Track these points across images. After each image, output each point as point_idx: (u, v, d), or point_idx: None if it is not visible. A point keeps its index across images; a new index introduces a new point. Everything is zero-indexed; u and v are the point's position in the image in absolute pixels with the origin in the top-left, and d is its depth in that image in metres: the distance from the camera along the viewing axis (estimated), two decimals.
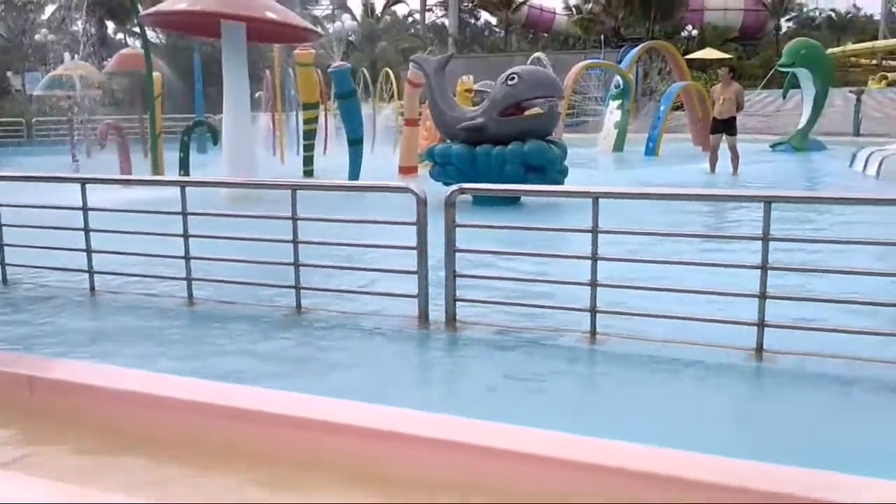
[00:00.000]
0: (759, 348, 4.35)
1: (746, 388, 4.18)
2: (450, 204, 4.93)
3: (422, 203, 4.95)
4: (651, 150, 18.44)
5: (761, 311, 4.37)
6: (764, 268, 4.41)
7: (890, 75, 52.88)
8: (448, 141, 11.05)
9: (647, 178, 13.27)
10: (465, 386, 4.17)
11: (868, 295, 4.60)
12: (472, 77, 16.19)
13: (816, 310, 4.70)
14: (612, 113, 19.95)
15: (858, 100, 23.67)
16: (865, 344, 4.30)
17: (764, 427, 3.57)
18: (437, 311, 4.98)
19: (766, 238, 4.41)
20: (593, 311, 4.68)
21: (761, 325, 4.38)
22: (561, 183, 10.14)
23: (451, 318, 4.91)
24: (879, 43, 59.23)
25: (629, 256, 6.07)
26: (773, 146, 19.27)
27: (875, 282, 5.08)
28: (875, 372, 4.08)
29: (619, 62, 22.89)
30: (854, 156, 14.32)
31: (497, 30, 60.70)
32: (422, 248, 4.97)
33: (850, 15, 69.88)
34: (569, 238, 6.55)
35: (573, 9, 57.84)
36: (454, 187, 5.03)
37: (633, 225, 6.47)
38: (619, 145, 19.20)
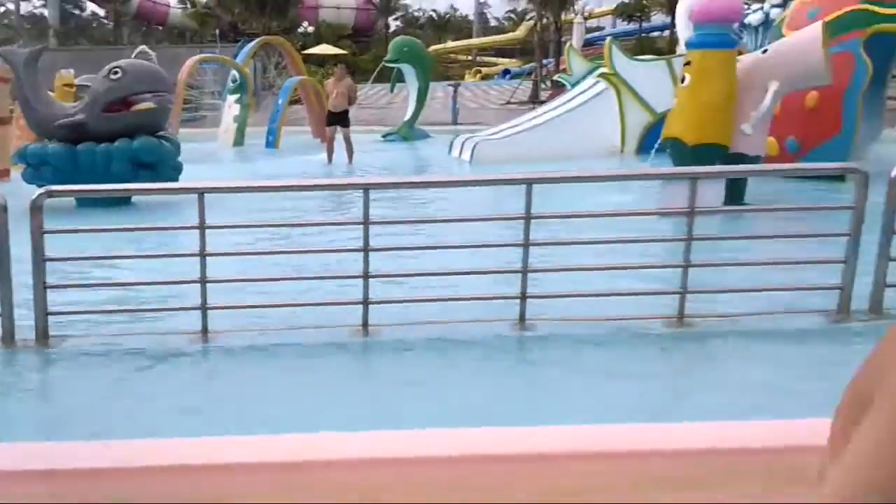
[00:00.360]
0: (365, 324, 4.65)
1: (356, 360, 4.48)
2: (36, 209, 4.51)
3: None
4: (272, 142, 18.57)
5: (365, 289, 4.68)
6: (365, 250, 4.72)
7: (484, 70, 59.92)
8: (45, 140, 10.04)
9: (267, 171, 13.30)
10: (38, 407, 3.84)
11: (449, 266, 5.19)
12: (73, 71, 14.91)
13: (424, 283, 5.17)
14: (231, 107, 19.67)
15: (455, 91, 26.20)
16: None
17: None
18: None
19: (366, 223, 4.72)
20: (204, 308, 4.60)
21: (366, 303, 4.68)
22: (175, 180, 9.76)
23: (42, 335, 4.46)
24: (474, 41, 66.83)
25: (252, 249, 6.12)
26: (385, 136, 20.53)
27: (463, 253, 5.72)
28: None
29: (236, 57, 22.62)
30: (451, 143, 15.81)
31: (106, 22, 56.51)
32: (3, 260, 4.45)
33: (448, 15, 77.65)
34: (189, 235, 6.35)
35: (188, 2, 56.03)
36: (41, 190, 4.64)
37: (248, 218, 6.52)
38: (239, 139, 19.02)
